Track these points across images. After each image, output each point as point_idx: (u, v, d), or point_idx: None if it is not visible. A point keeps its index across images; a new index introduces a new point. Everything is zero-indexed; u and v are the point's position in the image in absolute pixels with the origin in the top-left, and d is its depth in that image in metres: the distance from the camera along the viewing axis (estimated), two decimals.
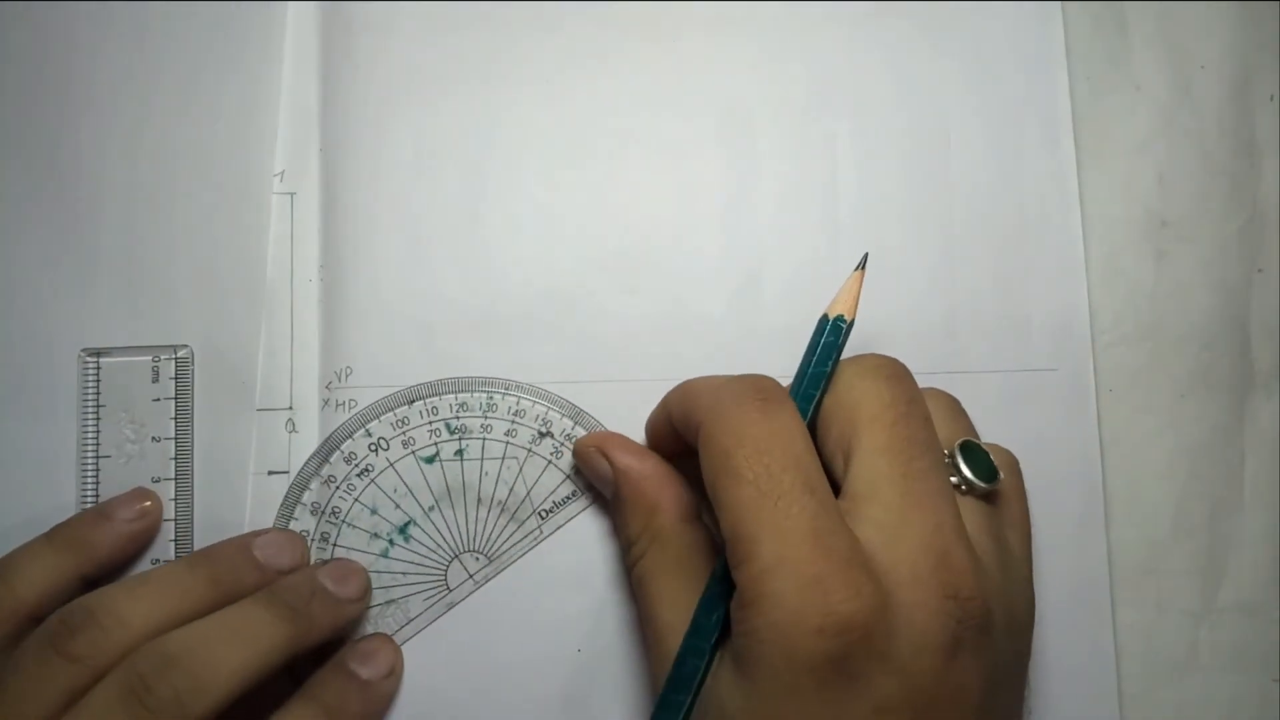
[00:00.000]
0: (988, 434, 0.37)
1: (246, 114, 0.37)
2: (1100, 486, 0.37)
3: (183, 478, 0.35)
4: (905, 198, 0.38)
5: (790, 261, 0.38)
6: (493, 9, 0.38)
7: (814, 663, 0.25)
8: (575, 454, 0.35)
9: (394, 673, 0.34)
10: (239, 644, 0.29)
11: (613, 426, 0.36)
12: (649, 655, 0.31)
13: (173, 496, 0.35)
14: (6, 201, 0.36)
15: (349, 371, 0.36)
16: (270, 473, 0.36)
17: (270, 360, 0.36)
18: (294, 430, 0.36)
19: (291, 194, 0.37)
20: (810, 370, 0.30)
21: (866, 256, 0.32)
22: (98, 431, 0.35)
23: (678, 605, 0.30)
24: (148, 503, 0.34)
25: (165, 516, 0.35)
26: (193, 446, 0.36)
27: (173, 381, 0.36)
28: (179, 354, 0.36)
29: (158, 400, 0.36)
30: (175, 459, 0.35)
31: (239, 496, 0.35)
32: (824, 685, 0.25)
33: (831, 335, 0.31)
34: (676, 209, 0.38)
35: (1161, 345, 0.38)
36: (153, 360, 0.36)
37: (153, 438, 0.35)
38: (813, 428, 0.29)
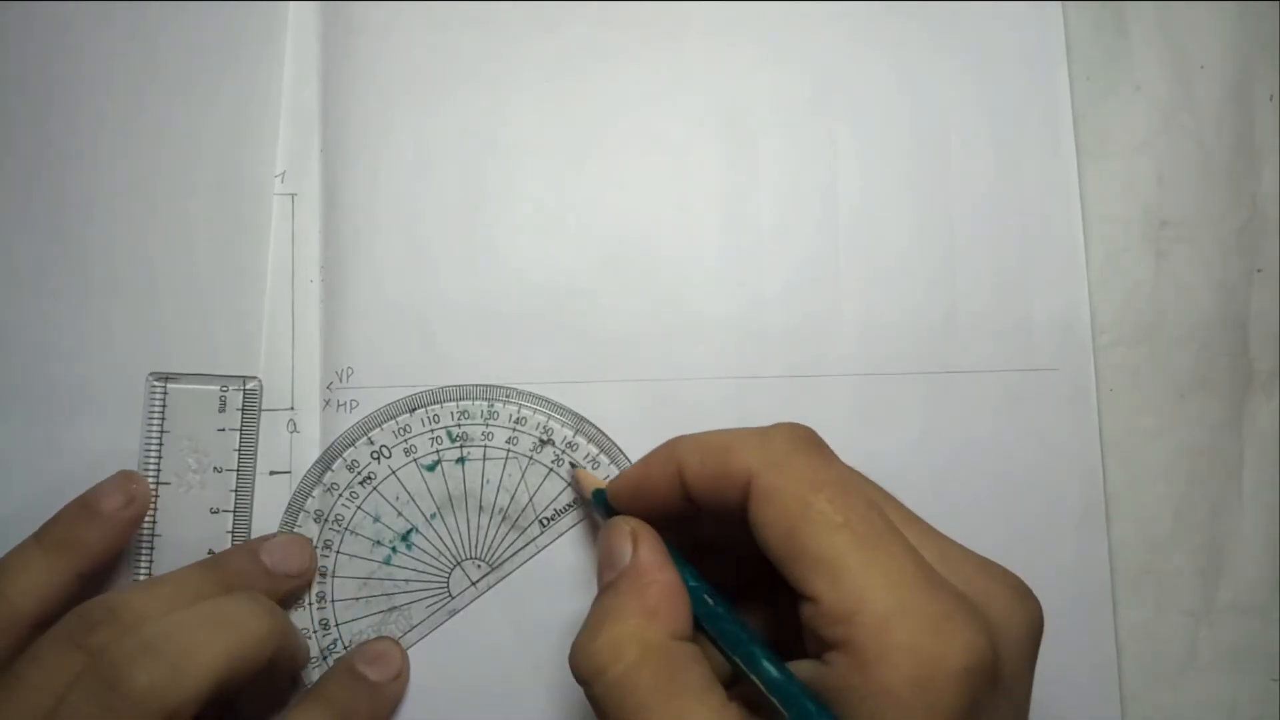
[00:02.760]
0: (988, 434, 0.37)
1: (247, 115, 0.37)
2: (1101, 486, 0.37)
3: (241, 510, 0.35)
4: (905, 197, 0.38)
5: (790, 261, 0.38)
6: (493, 9, 0.38)
7: (959, 707, 0.23)
8: (605, 529, 0.31)
9: (401, 675, 0.34)
10: (219, 632, 0.29)
11: (613, 427, 0.36)
12: None
13: (230, 529, 0.35)
14: (6, 200, 0.36)
15: (350, 372, 0.36)
16: (272, 473, 0.36)
17: (272, 360, 0.36)
18: (295, 430, 0.36)
19: (293, 195, 0.37)
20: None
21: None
22: (160, 458, 0.35)
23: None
24: (133, 485, 0.33)
25: (221, 549, 0.35)
26: (254, 480, 0.35)
27: (239, 413, 0.35)
28: (247, 385, 0.36)
29: (222, 430, 0.35)
30: (236, 491, 0.35)
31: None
32: None
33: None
34: (676, 209, 0.38)
35: (1161, 345, 0.38)
36: (220, 390, 0.35)
37: (215, 468, 0.35)
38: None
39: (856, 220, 0.38)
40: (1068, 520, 0.37)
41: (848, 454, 0.36)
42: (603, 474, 0.35)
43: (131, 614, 0.29)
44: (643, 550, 0.29)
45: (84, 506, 0.33)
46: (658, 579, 0.28)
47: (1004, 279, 0.38)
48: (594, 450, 0.36)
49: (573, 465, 0.36)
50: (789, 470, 0.26)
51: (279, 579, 0.33)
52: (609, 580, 0.29)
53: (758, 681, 0.26)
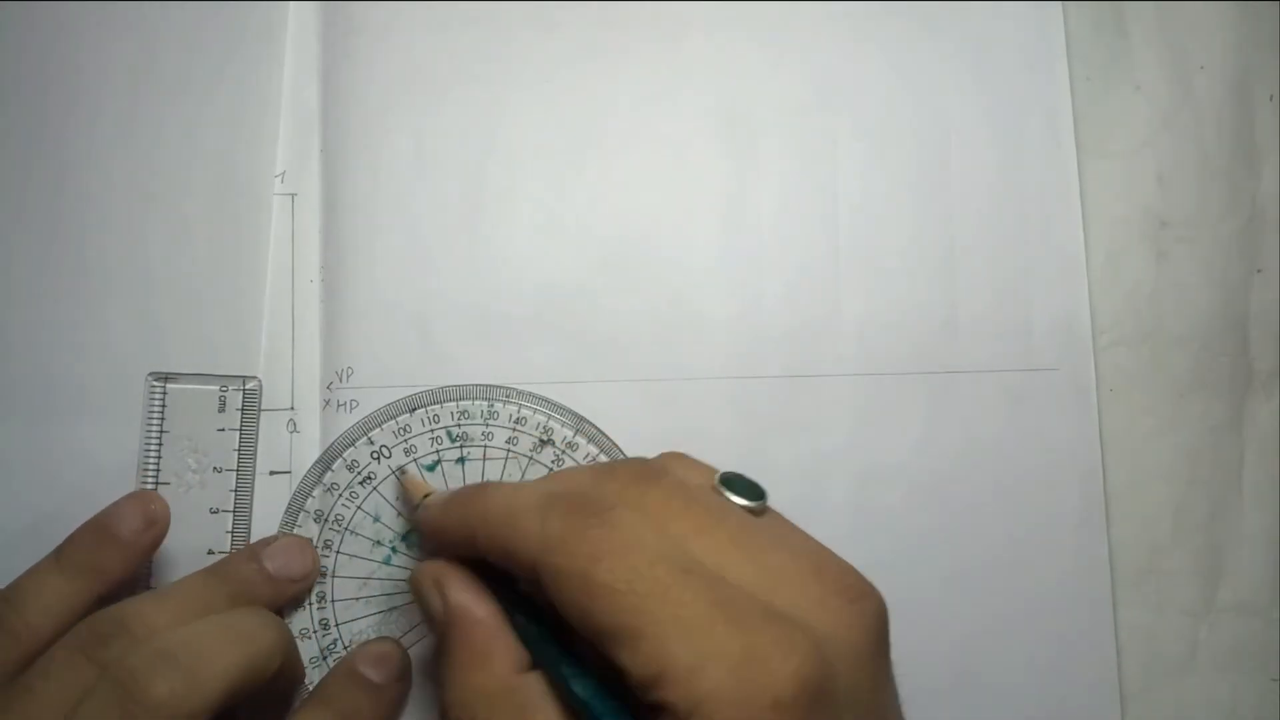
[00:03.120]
0: (988, 434, 0.37)
1: (247, 115, 0.37)
2: (1101, 486, 0.37)
3: (241, 510, 0.35)
4: (906, 198, 0.38)
5: (790, 261, 0.38)
6: (493, 9, 0.38)
7: None
8: (411, 582, 0.31)
9: (404, 677, 0.34)
10: (233, 643, 0.29)
11: (613, 427, 0.36)
12: None
13: (229, 530, 0.35)
14: (5, 200, 0.36)
15: (350, 372, 0.36)
16: (272, 473, 0.36)
17: (272, 361, 0.36)
18: (295, 430, 0.36)
19: (293, 195, 0.37)
20: None
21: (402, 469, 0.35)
22: (159, 458, 0.35)
23: None
24: (153, 506, 0.33)
25: (220, 549, 0.35)
26: (254, 480, 0.35)
27: (239, 413, 0.35)
28: (247, 385, 0.35)
29: (222, 430, 0.35)
30: (235, 491, 0.35)
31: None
32: None
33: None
34: (677, 209, 0.38)
35: (1161, 345, 0.38)
36: (220, 390, 0.35)
37: (214, 468, 0.35)
38: None
39: (856, 220, 0.38)
40: (1068, 520, 0.37)
41: (848, 454, 0.37)
42: None
43: (142, 627, 0.29)
44: (452, 596, 0.29)
45: (103, 530, 0.32)
46: (478, 620, 0.28)
47: (1004, 279, 0.38)
48: (594, 450, 0.36)
49: (401, 470, 0.35)
50: (565, 550, 0.25)
51: (283, 584, 0.33)
52: (435, 631, 0.29)
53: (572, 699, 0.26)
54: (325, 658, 0.35)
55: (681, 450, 0.30)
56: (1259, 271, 0.39)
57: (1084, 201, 0.38)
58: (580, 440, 0.36)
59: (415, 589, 0.30)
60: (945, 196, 0.38)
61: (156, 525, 0.33)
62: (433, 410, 0.36)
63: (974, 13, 0.39)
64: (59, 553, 0.32)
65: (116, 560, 0.32)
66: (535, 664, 0.28)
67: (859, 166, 0.38)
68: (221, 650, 0.29)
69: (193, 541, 0.35)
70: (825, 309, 0.38)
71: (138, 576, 0.34)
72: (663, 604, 0.24)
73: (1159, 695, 0.37)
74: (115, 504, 0.33)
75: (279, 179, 0.37)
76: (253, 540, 0.35)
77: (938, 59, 0.39)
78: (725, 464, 0.30)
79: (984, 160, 0.38)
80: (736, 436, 0.37)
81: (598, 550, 0.25)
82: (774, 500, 0.36)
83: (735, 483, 0.29)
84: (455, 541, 0.30)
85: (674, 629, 0.24)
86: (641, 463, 0.29)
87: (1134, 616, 0.37)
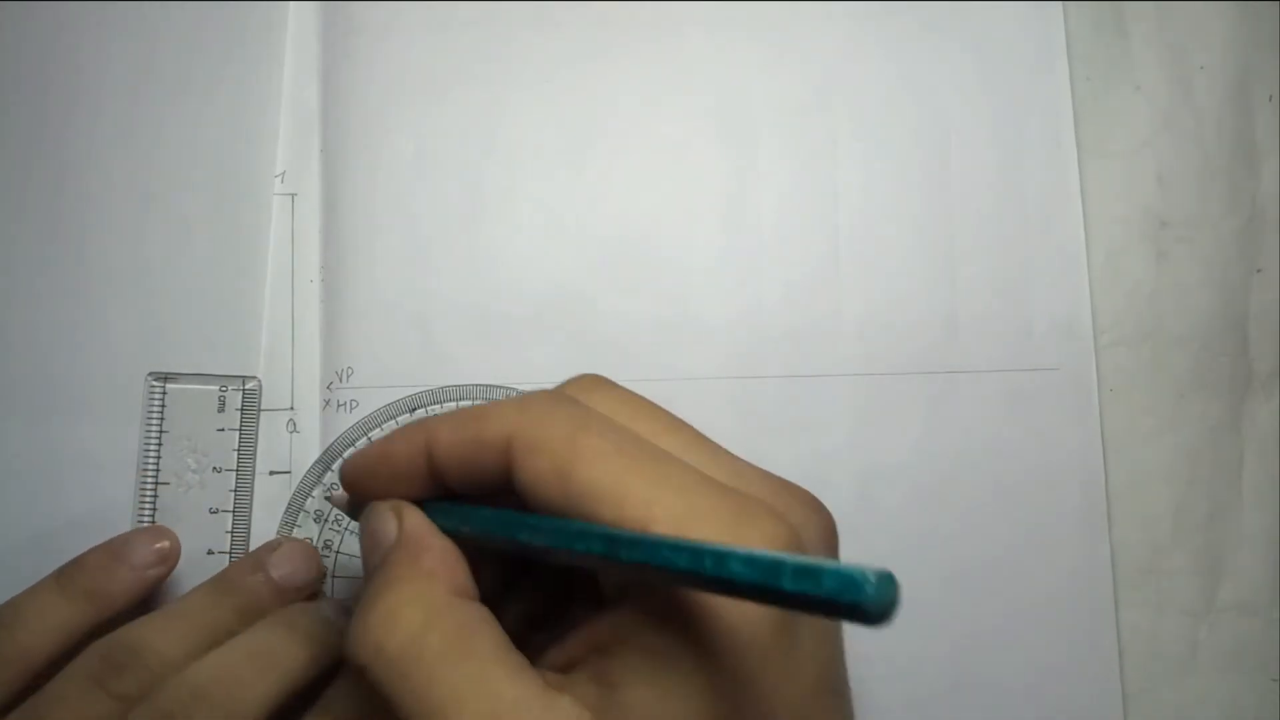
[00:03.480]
0: (989, 434, 0.37)
1: (247, 115, 0.37)
2: (1102, 487, 0.37)
3: (241, 510, 0.35)
4: (906, 198, 0.38)
5: (790, 261, 0.38)
6: (493, 9, 0.38)
7: (760, 620, 0.22)
8: (363, 517, 0.28)
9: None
10: (264, 671, 0.29)
11: None
12: None
13: (229, 530, 0.35)
14: (5, 201, 0.36)
15: (350, 372, 0.36)
16: (272, 473, 0.36)
17: (271, 361, 0.36)
18: (295, 430, 0.36)
19: (293, 195, 0.37)
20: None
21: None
22: (159, 458, 0.35)
23: (465, 686, 0.23)
24: (165, 543, 0.33)
25: (220, 549, 0.35)
26: (253, 480, 0.35)
27: (239, 413, 0.35)
28: (247, 385, 0.35)
29: (222, 430, 0.35)
30: (235, 491, 0.35)
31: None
32: (770, 645, 0.23)
33: None
34: (676, 209, 0.38)
35: (1161, 345, 0.38)
36: (219, 390, 0.35)
37: (214, 468, 0.35)
38: None
39: (857, 220, 0.38)
40: (1069, 520, 0.37)
41: (848, 455, 0.37)
42: None
43: (155, 656, 0.29)
44: (409, 522, 0.26)
45: (113, 558, 0.32)
46: (432, 544, 0.26)
47: (1005, 279, 0.38)
48: None
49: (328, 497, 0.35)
50: (551, 422, 0.24)
51: (289, 594, 0.33)
52: (377, 560, 0.26)
53: (577, 556, 0.23)
54: None
55: None
56: (1259, 271, 0.39)
57: (1084, 201, 0.38)
58: None
59: (368, 518, 0.27)
60: (946, 196, 0.38)
61: (167, 562, 0.33)
62: (433, 410, 0.36)
63: (974, 13, 0.39)
64: (62, 574, 0.32)
65: (122, 590, 0.32)
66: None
67: (859, 166, 0.38)
68: (254, 680, 0.29)
69: (192, 542, 0.35)
70: (825, 309, 0.37)
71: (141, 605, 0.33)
72: (655, 467, 0.23)
73: (1160, 695, 0.37)
74: (129, 534, 0.33)
75: (279, 179, 0.37)
76: (253, 541, 0.35)
77: (938, 59, 0.39)
78: None
79: (984, 160, 0.38)
80: (736, 436, 0.36)
81: (586, 418, 0.24)
82: None
83: None
84: (397, 470, 0.27)
85: (665, 486, 0.23)
86: (594, 374, 0.28)
87: (1135, 617, 0.37)
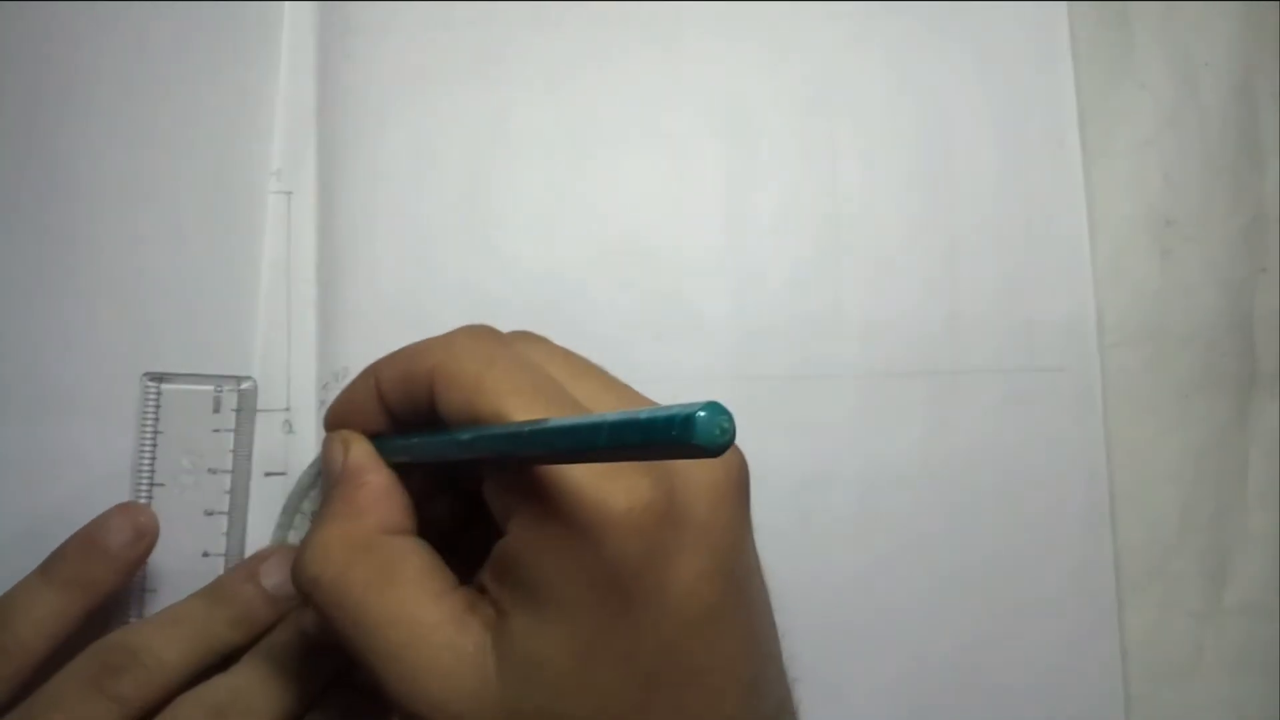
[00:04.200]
0: (992, 434, 0.37)
1: (243, 112, 0.37)
2: (1106, 487, 0.37)
3: (236, 512, 0.35)
4: (909, 197, 0.38)
5: (790, 260, 0.38)
6: (492, 8, 0.38)
7: (628, 550, 0.24)
8: (322, 446, 0.31)
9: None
10: (280, 691, 0.30)
11: None
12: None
13: (225, 531, 0.35)
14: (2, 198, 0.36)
15: (346, 372, 0.36)
16: (267, 474, 0.35)
17: (267, 361, 0.36)
18: (291, 431, 0.36)
19: (288, 193, 0.37)
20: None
21: None
22: (153, 459, 0.35)
23: (387, 613, 0.26)
24: (140, 518, 0.33)
25: (215, 551, 0.34)
26: (249, 481, 0.35)
27: (234, 414, 0.35)
28: (242, 385, 0.35)
29: (217, 431, 0.35)
30: (230, 492, 0.35)
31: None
32: (640, 574, 0.24)
33: None
34: (677, 208, 0.38)
35: (1166, 345, 0.38)
36: (214, 390, 0.35)
37: (209, 470, 0.35)
38: None
39: (858, 219, 0.38)
40: (1072, 521, 0.37)
41: (850, 455, 0.36)
42: None
43: (152, 659, 0.30)
44: (352, 454, 0.29)
45: (91, 543, 0.32)
46: (367, 480, 0.29)
47: (1008, 278, 0.38)
48: None
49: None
50: (465, 357, 0.27)
51: (282, 603, 0.32)
52: (329, 489, 0.30)
53: (501, 453, 0.25)
54: None
55: None
56: (1263, 271, 0.39)
57: (1088, 200, 0.38)
58: None
59: (324, 448, 0.30)
60: (948, 195, 0.38)
61: (145, 538, 0.33)
62: None
63: (977, 11, 0.39)
64: (46, 567, 0.32)
65: (105, 573, 0.32)
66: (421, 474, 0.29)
67: (860, 165, 0.38)
68: (270, 697, 0.30)
69: (187, 544, 0.34)
70: (826, 309, 0.37)
71: (129, 588, 0.33)
72: (545, 400, 0.25)
73: (1164, 697, 0.37)
74: (103, 516, 0.33)
75: (274, 177, 0.37)
76: (249, 542, 0.35)
77: (940, 58, 0.39)
78: None
79: (988, 159, 0.38)
80: (737, 436, 0.36)
81: (495, 355, 0.27)
82: (773, 501, 0.36)
83: None
84: (359, 409, 0.30)
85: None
86: (526, 330, 0.30)
87: (1139, 618, 0.37)
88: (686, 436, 0.19)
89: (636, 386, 0.36)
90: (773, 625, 0.28)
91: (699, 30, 0.39)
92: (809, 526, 0.36)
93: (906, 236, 0.38)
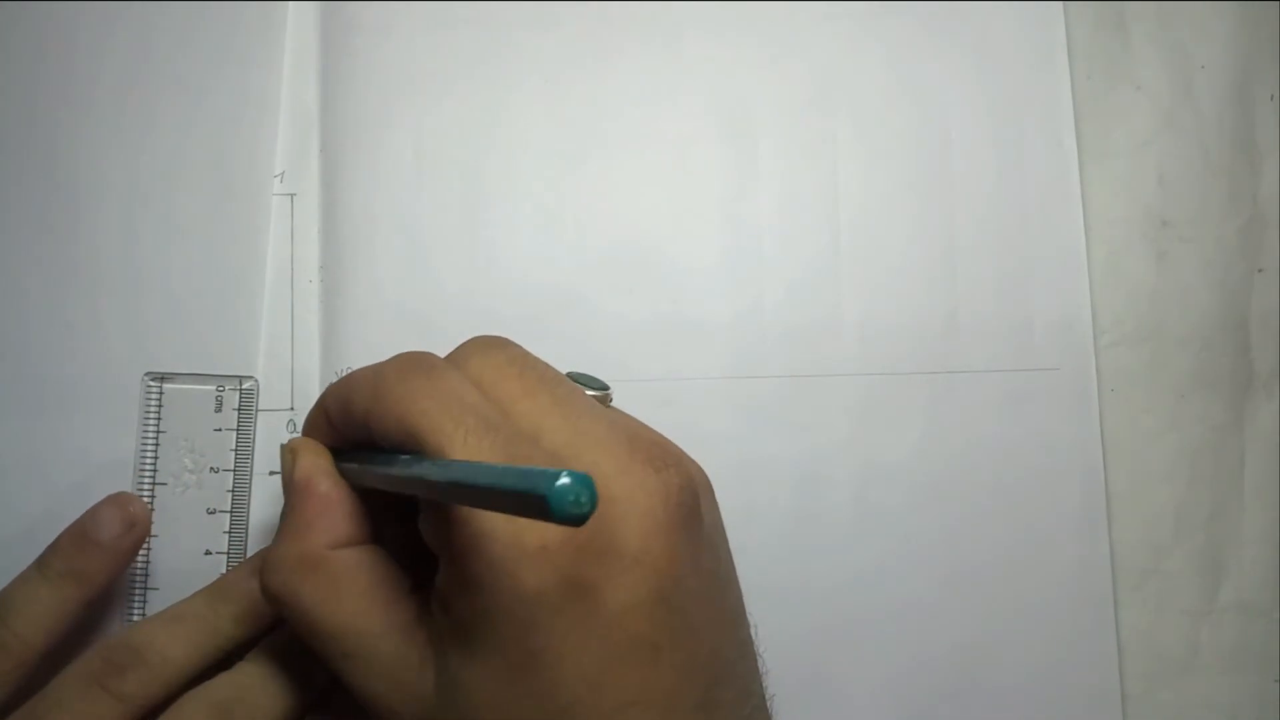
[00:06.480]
0: (989, 434, 0.37)
1: (246, 114, 0.37)
2: (1102, 486, 0.37)
3: (238, 511, 0.35)
4: (906, 197, 0.38)
5: (790, 261, 0.38)
6: (492, 9, 0.38)
7: (545, 587, 0.24)
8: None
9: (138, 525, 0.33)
10: (284, 689, 0.30)
11: None
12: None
13: (226, 530, 0.35)
14: (3, 198, 0.36)
15: (348, 372, 0.36)
16: (271, 473, 0.36)
17: (271, 361, 0.36)
18: (295, 431, 0.36)
19: (292, 195, 0.37)
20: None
21: None
22: (156, 458, 0.35)
23: (337, 623, 0.28)
24: (131, 508, 0.33)
25: (217, 550, 0.35)
26: (251, 480, 0.35)
27: (236, 413, 0.35)
28: (244, 385, 0.35)
29: (219, 430, 0.35)
30: (233, 491, 0.35)
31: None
32: (561, 609, 0.24)
33: None
34: (676, 209, 0.38)
35: (1162, 345, 0.38)
36: (216, 390, 0.35)
37: (211, 469, 0.35)
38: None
39: (857, 220, 0.38)
40: (1068, 521, 0.37)
41: (848, 455, 0.37)
42: None
43: (157, 656, 0.30)
44: (299, 466, 0.30)
45: (83, 536, 0.32)
46: (314, 493, 0.29)
47: (1005, 279, 0.38)
48: None
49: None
50: (391, 398, 0.27)
51: None
52: (285, 496, 0.30)
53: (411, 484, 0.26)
54: None
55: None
56: (1260, 271, 0.39)
57: (1085, 201, 0.38)
58: None
59: (282, 455, 0.31)
60: (946, 196, 0.38)
61: (137, 527, 0.32)
62: None
63: (974, 12, 0.39)
64: (41, 562, 0.32)
65: (100, 565, 0.32)
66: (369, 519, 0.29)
67: (859, 166, 0.38)
68: (274, 695, 0.30)
69: (190, 543, 0.35)
70: (825, 309, 0.37)
71: (124, 579, 0.34)
72: (462, 449, 0.25)
73: (1160, 696, 0.37)
74: (94, 508, 0.33)
75: (278, 179, 0.37)
76: (250, 541, 0.35)
77: (938, 58, 0.39)
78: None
79: (984, 160, 0.38)
80: (736, 436, 0.37)
81: (416, 394, 0.27)
82: (773, 501, 0.36)
83: (580, 377, 0.31)
84: (320, 433, 0.31)
85: (474, 452, 0.25)
86: (493, 336, 0.30)
87: (1135, 617, 0.37)
88: (544, 509, 0.19)
89: (636, 385, 0.36)
90: (738, 644, 0.28)
91: (699, 30, 0.39)
92: (806, 525, 0.36)
93: (904, 237, 0.38)
